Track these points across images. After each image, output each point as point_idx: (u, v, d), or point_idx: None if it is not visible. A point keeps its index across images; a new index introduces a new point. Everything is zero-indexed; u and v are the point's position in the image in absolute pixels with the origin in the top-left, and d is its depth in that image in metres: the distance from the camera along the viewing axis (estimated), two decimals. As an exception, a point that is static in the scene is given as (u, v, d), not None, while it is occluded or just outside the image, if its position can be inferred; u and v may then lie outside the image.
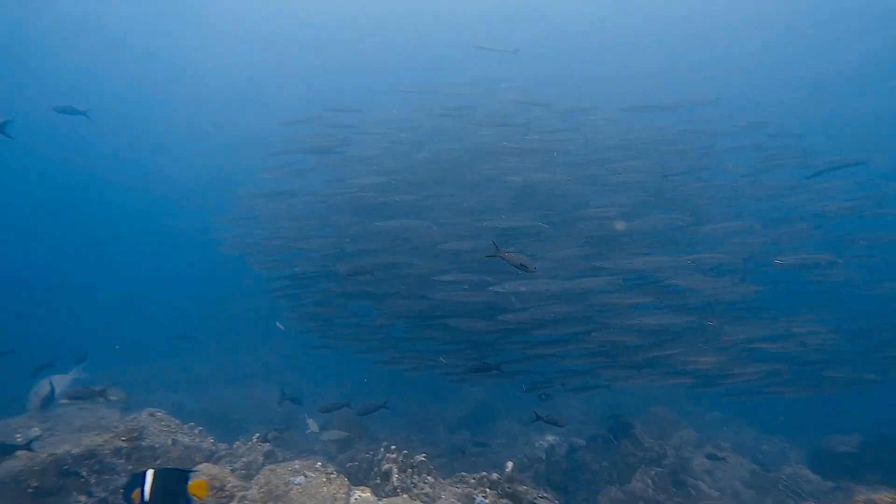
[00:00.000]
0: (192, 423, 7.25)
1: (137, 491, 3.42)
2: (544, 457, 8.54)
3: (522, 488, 5.58)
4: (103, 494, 5.11)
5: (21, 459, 4.97)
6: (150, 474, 3.43)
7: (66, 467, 4.98)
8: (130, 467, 5.36)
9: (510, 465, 5.61)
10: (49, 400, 6.85)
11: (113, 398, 7.26)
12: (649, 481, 7.17)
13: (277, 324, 8.76)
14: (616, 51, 23.77)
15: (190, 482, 3.45)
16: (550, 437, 10.07)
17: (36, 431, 5.92)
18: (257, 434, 7.10)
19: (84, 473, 5.04)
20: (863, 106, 25.85)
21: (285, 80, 27.52)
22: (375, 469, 6.23)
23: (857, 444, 9.54)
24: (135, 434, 5.42)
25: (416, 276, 8.12)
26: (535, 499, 6.04)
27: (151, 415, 6.25)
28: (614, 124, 9.53)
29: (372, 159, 9.56)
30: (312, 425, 8.52)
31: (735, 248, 8.10)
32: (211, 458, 6.50)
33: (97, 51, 29.42)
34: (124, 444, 5.32)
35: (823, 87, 25.58)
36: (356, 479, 6.57)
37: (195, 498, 3.27)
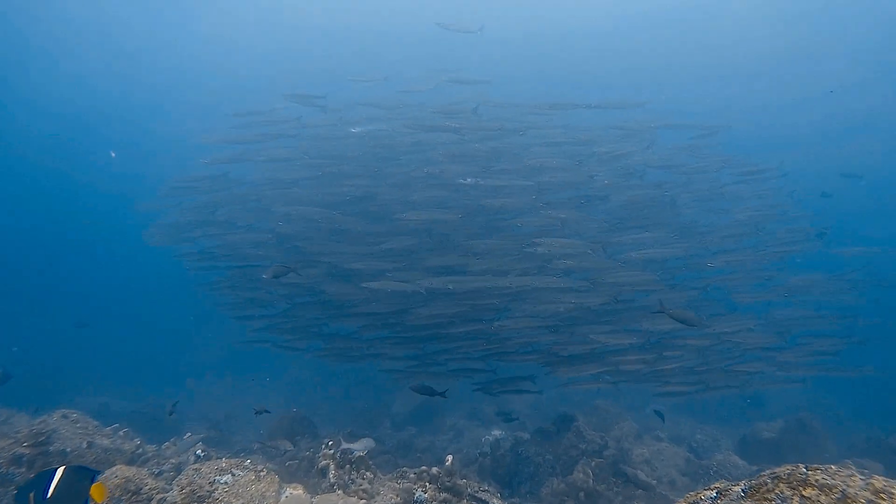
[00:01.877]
0: (117, 425, 6.75)
1: (33, 494, 3.12)
2: (489, 451, 8.55)
3: (462, 482, 5.53)
4: (-4, 508, 4.62)
5: None
6: (59, 471, 3.16)
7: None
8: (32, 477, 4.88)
9: (450, 458, 5.53)
10: None
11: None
12: (590, 472, 7.30)
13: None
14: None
15: (96, 482, 3.16)
16: (496, 432, 10.10)
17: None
18: (188, 433, 6.72)
19: (-26, 484, 4.53)
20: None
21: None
22: (315, 467, 6.01)
23: (779, 430, 10.16)
24: (41, 439, 4.93)
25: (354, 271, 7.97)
26: (476, 492, 6.00)
27: (65, 416, 5.71)
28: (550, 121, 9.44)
29: (305, 154, 9.25)
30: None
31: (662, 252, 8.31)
32: (135, 461, 6.05)
33: (95, 56, 28.58)
34: (26, 451, 4.82)
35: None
36: (296, 477, 6.30)
37: (92, 501, 2.98)
